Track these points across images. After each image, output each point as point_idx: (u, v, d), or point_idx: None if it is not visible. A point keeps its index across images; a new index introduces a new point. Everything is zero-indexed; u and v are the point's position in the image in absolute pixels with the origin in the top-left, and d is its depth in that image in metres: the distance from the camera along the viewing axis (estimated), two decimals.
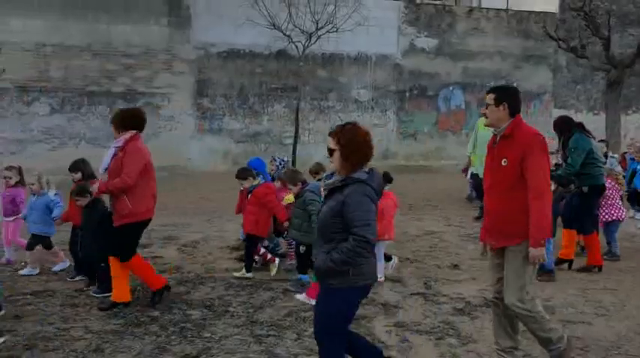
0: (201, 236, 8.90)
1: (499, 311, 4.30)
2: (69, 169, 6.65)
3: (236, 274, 6.70)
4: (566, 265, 7.25)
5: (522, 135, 4.04)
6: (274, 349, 4.68)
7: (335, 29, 15.99)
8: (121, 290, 5.54)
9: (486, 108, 4.18)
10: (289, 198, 7.14)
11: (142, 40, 16.73)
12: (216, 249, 8.12)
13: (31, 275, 6.67)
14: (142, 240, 8.38)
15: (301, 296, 5.85)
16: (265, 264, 7.00)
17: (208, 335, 4.93)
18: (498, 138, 4.16)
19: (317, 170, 7.33)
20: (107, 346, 4.66)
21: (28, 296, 5.85)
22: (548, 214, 3.97)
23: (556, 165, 7.65)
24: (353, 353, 3.70)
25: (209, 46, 17.38)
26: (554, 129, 7.56)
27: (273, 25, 15.86)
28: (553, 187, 6.86)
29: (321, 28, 15.92)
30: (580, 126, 7.28)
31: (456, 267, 7.34)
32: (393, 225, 6.67)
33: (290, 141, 16.62)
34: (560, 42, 17.74)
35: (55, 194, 6.74)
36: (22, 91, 16.01)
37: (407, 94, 19.48)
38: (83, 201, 6.17)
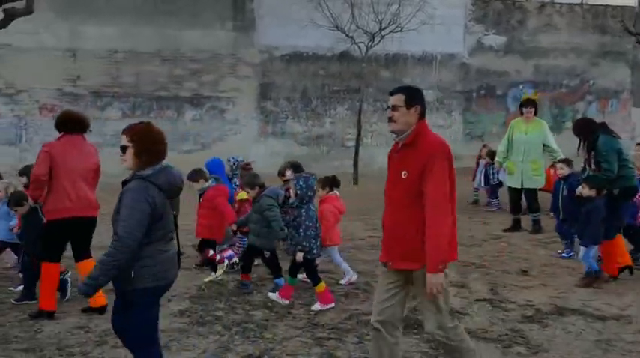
0: None
1: (380, 337, 3.73)
2: (18, 173, 6.63)
3: (207, 280, 6.46)
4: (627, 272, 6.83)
5: (427, 143, 3.56)
6: (335, 352, 4.64)
7: (399, 29, 15.80)
8: (46, 298, 5.41)
9: (394, 110, 3.63)
10: (243, 194, 7.02)
11: (208, 44, 17.07)
12: (278, 250, 8.13)
13: None
14: None
15: (273, 295, 5.78)
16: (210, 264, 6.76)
17: (270, 335, 4.95)
18: (400, 145, 3.67)
19: (284, 171, 7.17)
20: (174, 344, 4.75)
21: (107, 294, 5.99)
22: (446, 234, 3.46)
23: (582, 171, 7.27)
24: None
25: (273, 49, 17.54)
26: (575, 133, 7.21)
27: (337, 27, 15.83)
28: (592, 193, 6.49)
29: (385, 28, 15.77)
30: (603, 127, 6.97)
31: (525, 272, 7.07)
32: (337, 229, 6.52)
33: (352, 143, 16.55)
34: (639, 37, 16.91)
35: None
36: (96, 97, 16.68)
37: (474, 94, 19.04)
38: (23, 210, 5.91)
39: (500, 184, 11.43)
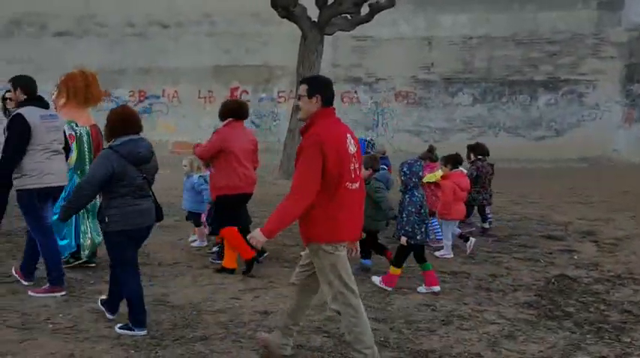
0: (624, 233, 8.12)
1: (295, 292, 4.20)
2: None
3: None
4: None
5: (309, 132, 3.83)
6: None
7: None
8: (227, 258, 6.10)
9: (299, 99, 3.94)
10: (434, 175, 7.18)
11: (567, 25, 16.17)
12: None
13: (200, 246, 7.12)
14: (557, 233, 8.11)
15: (376, 280, 5.85)
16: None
17: (628, 340, 4.50)
18: (300, 133, 4.00)
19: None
20: (520, 334, 4.66)
21: (446, 276, 6.17)
22: (291, 215, 3.78)
23: None
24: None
25: None
26: None
27: None
28: None
29: None
30: None
31: None
32: (459, 205, 6.95)
33: None
34: None
35: (199, 177, 7.06)
36: (447, 83, 17.29)
37: None
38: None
39: None
